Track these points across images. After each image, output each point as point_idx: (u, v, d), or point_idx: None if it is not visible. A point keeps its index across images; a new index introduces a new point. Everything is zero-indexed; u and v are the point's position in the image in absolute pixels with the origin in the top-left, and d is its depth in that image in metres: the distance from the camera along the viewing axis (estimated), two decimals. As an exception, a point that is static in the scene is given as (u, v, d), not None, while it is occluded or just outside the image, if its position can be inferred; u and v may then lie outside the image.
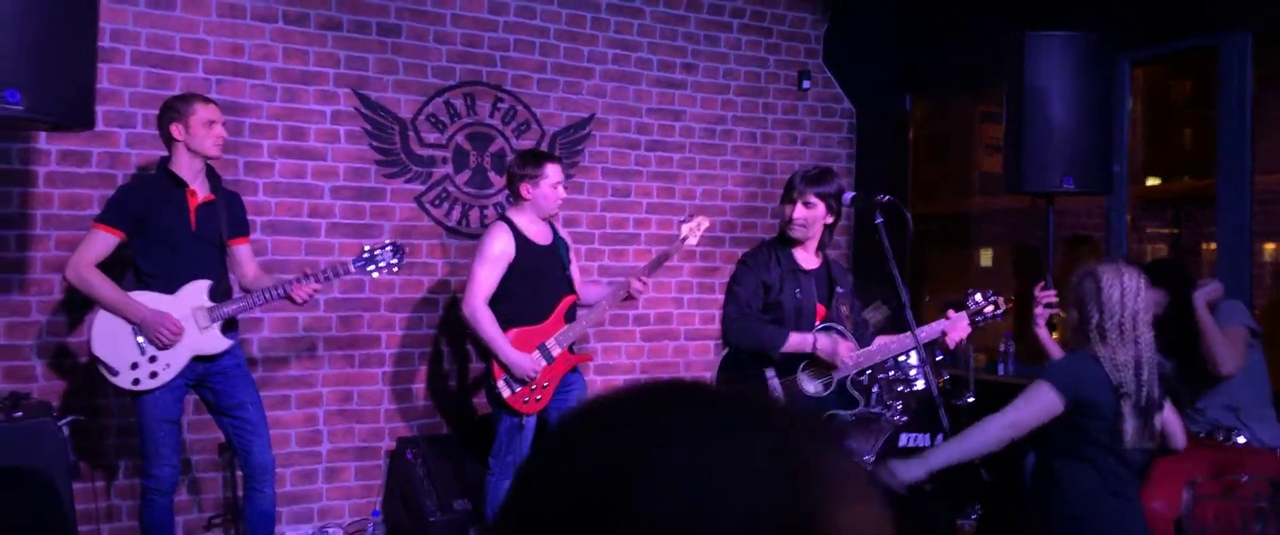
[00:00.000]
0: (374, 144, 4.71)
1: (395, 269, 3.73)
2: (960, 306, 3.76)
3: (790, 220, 3.46)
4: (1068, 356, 2.79)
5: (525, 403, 3.98)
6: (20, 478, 3.14)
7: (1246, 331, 3.71)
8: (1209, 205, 4.60)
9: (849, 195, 3.38)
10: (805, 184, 3.45)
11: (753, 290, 3.45)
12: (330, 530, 4.60)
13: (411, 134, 4.79)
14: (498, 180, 4.96)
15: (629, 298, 4.09)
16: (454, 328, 4.89)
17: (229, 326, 3.67)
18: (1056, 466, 2.68)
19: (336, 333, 4.66)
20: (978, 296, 3.65)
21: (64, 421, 3.23)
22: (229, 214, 3.72)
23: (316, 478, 4.64)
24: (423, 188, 4.83)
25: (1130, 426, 2.57)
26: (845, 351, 3.39)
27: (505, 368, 3.93)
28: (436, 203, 4.86)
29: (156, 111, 4.24)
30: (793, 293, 3.47)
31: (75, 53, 2.73)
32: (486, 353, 4.01)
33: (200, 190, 3.63)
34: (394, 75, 4.74)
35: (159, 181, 3.62)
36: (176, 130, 3.55)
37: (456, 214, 4.91)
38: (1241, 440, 3.70)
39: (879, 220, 3.12)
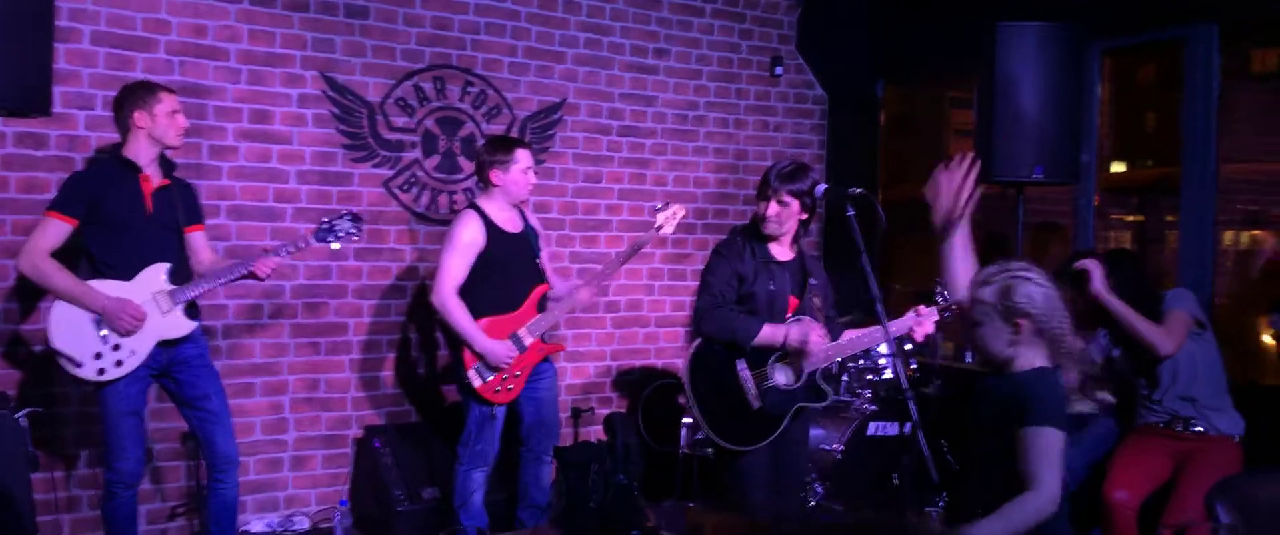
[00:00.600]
0: (341, 128, 4.64)
1: (355, 237, 3.69)
2: (930, 301, 3.77)
3: (764, 217, 3.45)
4: (1042, 383, 2.46)
5: (496, 392, 3.94)
6: (-24, 470, 3.07)
7: (1190, 318, 3.75)
8: (1174, 194, 4.64)
9: (821, 188, 3.37)
10: (780, 181, 3.43)
11: (726, 280, 3.44)
12: (296, 519, 4.55)
13: (380, 118, 4.71)
14: (467, 165, 4.90)
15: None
16: (422, 314, 4.84)
17: (191, 312, 3.60)
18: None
19: (303, 319, 4.59)
20: (947, 292, 3.66)
21: (21, 413, 3.15)
22: (184, 201, 3.65)
23: (282, 466, 4.58)
24: (391, 173, 4.76)
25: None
26: (816, 339, 3.40)
27: (479, 356, 3.89)
28: (405, 188, 4.80)
29: (115, 93, 4.17)
30: (766, 284, 3.46)
31: (31, 37, 2.64)
32: (457, 341, 3.97)
33: (154, 176, 3.56)
34: (362, 58, 4.66)
35: (111, 167, 3.54)
36: (141, 118, 3.47)
37: (425, 199, 4.85)
38: (1198, 429, 3.76)
39: (851, 213, 3.11)
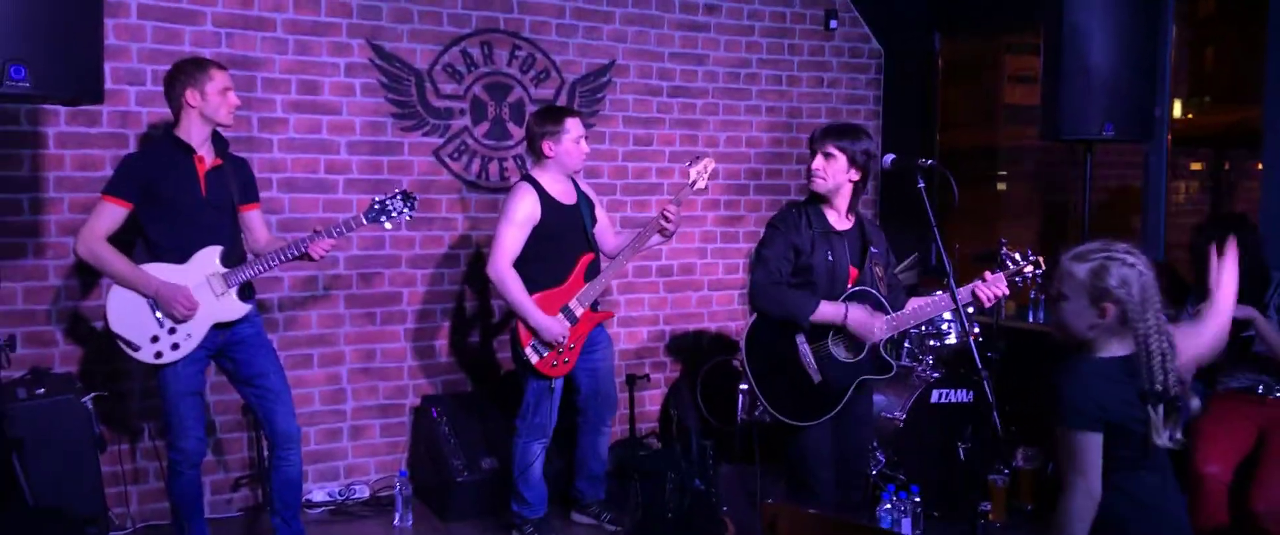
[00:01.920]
0: (390, 97, 4.58)
1: (408, 217, 3.64)
2: (996, 263, 3.64)
3: (810, 173, 3.35)
4: (1077, 376, 2.35)
5: (553, 367, 3.92)
6: (48, 453, 3.12)
7: None
8: (1247, 142, 4.41)
9: (888, 158, 3.24)
10: (825, 136, 3.33)
11: (782, 253, 3.34)
12: (357, 488, 4.60)
13: (428, 85, 4.65)
14: (516, 132, 4.83)
15: (662, 232, 3.96)
16: (476, 283, 4.82)
17: (246, 294, 3.60)
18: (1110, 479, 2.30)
19: (357, 290, 4.59)
20: (1017, 255, 3.53)
21: (87, 397, 3.18)
22: (238, 179, 3.62)
23: (341, 436, 4.62)
24: (441, 141, 4.71)
25: (1163, 427, 2.26)
26: (879, 328, 3.30)
27: (533, 332, 3.86)
28: (455, 156, 4.75)
29: (166, 68, 4.14)
30: (824, 255, 3.36)
31: (81, 24, 2.61)
32: (512, 316, 3.94)
33: (208, 156, 3.52)
34: (409, 24, 4.58)
35: (165, 148, 3.50)
36: (192, 97, 3.43)
37: (476, 167, 4.80)
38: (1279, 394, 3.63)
39: (921, 185, 2.99)
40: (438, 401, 4.60)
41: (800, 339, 3.37)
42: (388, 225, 3.62)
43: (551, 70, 4.91)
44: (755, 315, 3.42)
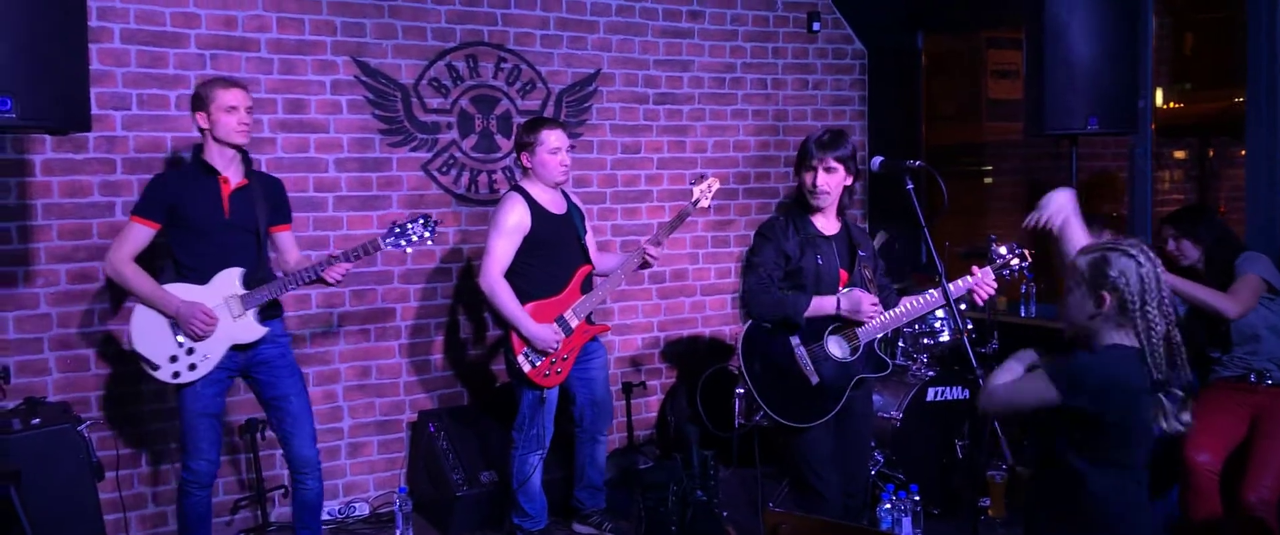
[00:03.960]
0: (376, 113, 4.58)
1: (429, 242, 3.63)
2: (983, 260, 3.67)
3: (814, 189, 3.35)
4: (1095, 357, 2.38)
5: (546, 376, 3.92)
6: (45, 484, 3.10)
7: (1260, 282, 3.64)
8: (1228, 130, 4.45)
9: (877, 160, 3.26)
10: (822, 149, 3.33)
11: (773, 259, 3.36)
12: (357, 506, 4.59)
13: (414, 100, 4.65)
14: (504, 144, 4.84)
15: (644, 266, 4.02)
16: (469, 296, 4.82)
17: (272, 314, 3.62)
18: (1089, 476, 2.35)
19: (351, 307, 4.59)
20: (1002, 249, 3.55)
21: (83, 425, 3.17)
22: (268, 200, 3.63)
23: (339, 453, 4.61)
24: (429, 155, 4.71)
25: (1170, 413, 2.31)
26: (867, 304, 3.32)
27: (526, 341, 3.87)
28: (444, 170, 4.75)
29: (151, 92, 4.15)
30: (814, 260, 3.38)
31: (66, 53, 2.60)
32: (505, 325, 3.94)
33: (233, 177, 3.55)
34: (393, 40, 4.58)
35: (191, 170, 3.57)
36: (201, 119, 3.49)
37: (465, 180, 4.80)
38: (1271, 382, 3.66)
39: (909, 186, 3.01)
40: (435, 416, 4.60)
41: (795, 341, 3.38)
42: (409, 249, 3.61)
43: (537, 81, 4.92)
44: (750, 322, 3.44)
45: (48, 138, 3.96)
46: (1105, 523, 2.32)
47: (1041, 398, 2.34)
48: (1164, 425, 2.32)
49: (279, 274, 3.67)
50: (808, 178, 3.37)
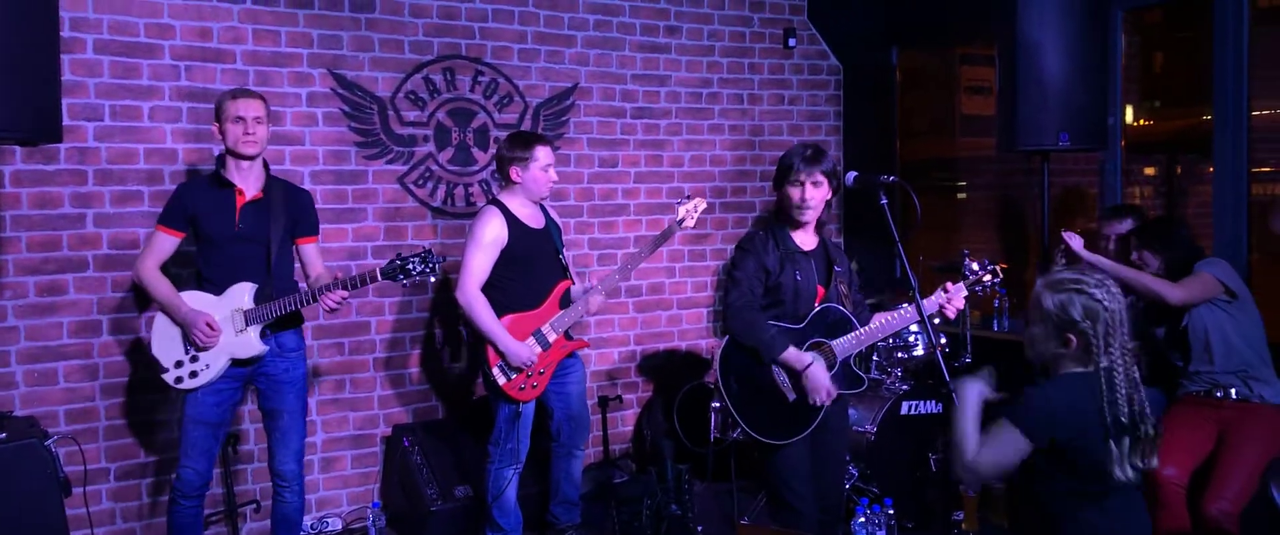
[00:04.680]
0: (352, 125, 4.56)
1: (431, 278, 3.58)
2: (956, 274, 3.70)
3: (802, 203, 3.36)
4: (1043, 390, 2.40)
5: (521, 390, 3.91)
6: (11, 499, 3.05)
7: (1214, 281, 3.71)
8: (1195, 147, 4.54)
9: (852, 175, 3.28)
10: (809, 164, 3.34)
11: (754, 274, 3.37)
12: (329, 520, 4.55)
13: (391, 113, 4.64)
14: (481, 157, 4.83)
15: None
16: (445, 310, 4.80)
17: (289, 325, 3.64)
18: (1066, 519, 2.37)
19: (325, 320, 4.56)
20: (974, 265, 3.59)
21: (50, 440, 3.13)
22: (289, 213, 3.62)
23: (313, 468, 4.57)
24: (405, 168, 4.69)
25: (1126, 453, 2.30)
26: (823, 393, 3.30)
27: (501, 355, 3.86)
28: (420, 183, 4.73)
29: (124, 103, 4.12)
30: (792, 275, 3.40)
31: (37, 63, 2.57)
32: (481, 339, 3.93)
33: (249, 188, 3.55)
34: (370, 52, 4.57)
35: (208, 181, 3.61)
36: (216, 131, 3.55)
37: (441, 193, 4.79)
38: (1238, 396, 3.71)
39: (883, 201, 3.03)
40: (409, 430, 4.57)
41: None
42: (406, 282, 3.58)
43: (515, 95, 4.92)
44: (727, 338, 3.44)
45: (18, 148, 3.91)
46: None
47: (1020, 451, 2.34)
48: (1114, 471, 2.29)
49: (302, 286, 3.68)
50: (794, 193, 3.37)
